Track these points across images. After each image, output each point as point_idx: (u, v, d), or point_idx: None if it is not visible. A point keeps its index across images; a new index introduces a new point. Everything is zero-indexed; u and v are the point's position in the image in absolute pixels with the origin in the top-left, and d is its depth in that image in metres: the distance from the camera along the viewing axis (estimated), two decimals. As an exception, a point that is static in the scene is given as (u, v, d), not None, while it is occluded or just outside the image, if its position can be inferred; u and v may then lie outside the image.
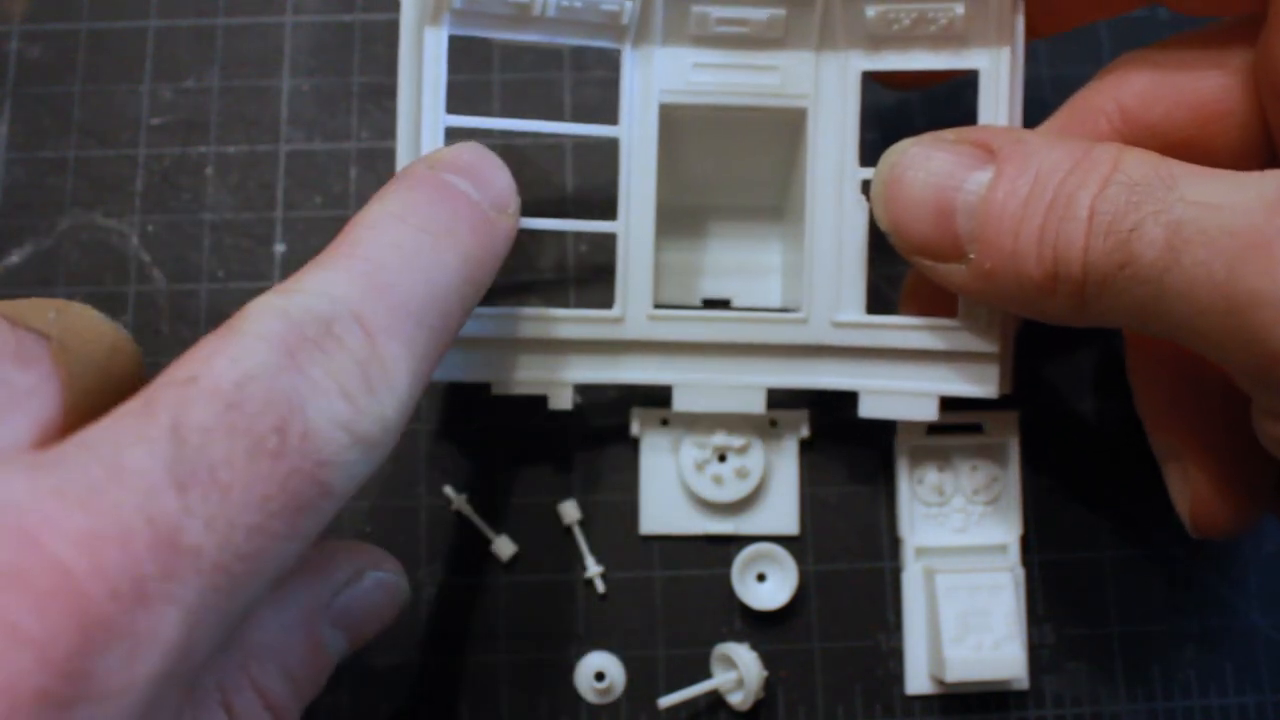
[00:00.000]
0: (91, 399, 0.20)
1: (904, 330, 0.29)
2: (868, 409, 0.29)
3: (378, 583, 0.26)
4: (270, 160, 0.34)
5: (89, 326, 0.22)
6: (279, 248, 0.33)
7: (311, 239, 0.33)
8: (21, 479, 0.17)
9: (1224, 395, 0.27)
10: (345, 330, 0.21)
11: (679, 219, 0.31)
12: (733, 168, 0.32)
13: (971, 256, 0.25)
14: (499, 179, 0.26)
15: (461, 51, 0.34)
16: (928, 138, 0.26)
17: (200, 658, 0.18)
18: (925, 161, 0.25)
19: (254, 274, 0.33)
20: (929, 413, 0.29)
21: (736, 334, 0.29)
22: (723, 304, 0.33)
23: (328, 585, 0.25)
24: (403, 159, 0.28)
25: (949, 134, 0.26)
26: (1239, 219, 0.21)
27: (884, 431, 0.32)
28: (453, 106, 0.28)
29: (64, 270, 0.33)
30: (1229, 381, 0.28)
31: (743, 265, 0.33)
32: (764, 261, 0.33)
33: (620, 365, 0.29)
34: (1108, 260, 0.22)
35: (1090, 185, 0.23)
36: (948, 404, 0.29)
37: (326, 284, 0.21)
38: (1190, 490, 0.27)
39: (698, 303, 0.33)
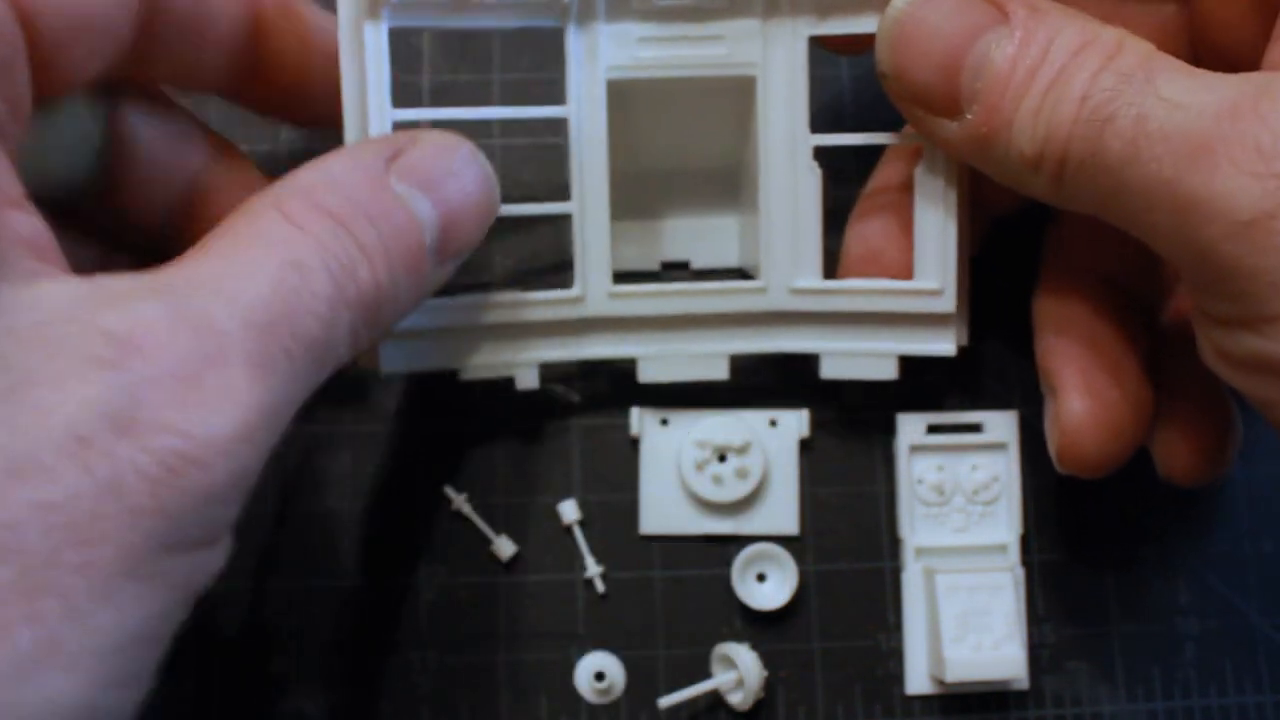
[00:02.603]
0: None
1: (861, 295, 0.29)
2: (829, 370, 0.30)
3: (441, 144, 0.25)
4: (271, 160, 0.33)
5: None
6: (279, 248, 0.33)
7: (312, 239, 0.33)
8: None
9: (1118, 326, 0.28)
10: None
11: (634, 186, 0.31)
12: (685, 135, 0.32)
13: (969, 116, 0.25)
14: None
15: (460, 52, 0.34)
16: None
17: None
18: (940, 9, 0.25)
19: (254, 274, 0.33)
20: (889, 372, 0.29)
21: (696, 306, 0.29)
22: (681, 266, 0.33)
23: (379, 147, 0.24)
24: None
25: None
26: (1195, 121, 0.21)
27: (884, 431, 0.32)
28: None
29: (64, 270, 0.33)
30: (1123, 311, 0.28)
31: (699, 228, 0.33)
32: (720, 224, 0.33)
33: (583, 343, 0.29)
34: (1083, 146, 0.23)
35: (1088, 68, 0.23)
36: (947, 404, 0.29)
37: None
38: (1062, 422, 0.27)
39: (657, 266, 0.33)
